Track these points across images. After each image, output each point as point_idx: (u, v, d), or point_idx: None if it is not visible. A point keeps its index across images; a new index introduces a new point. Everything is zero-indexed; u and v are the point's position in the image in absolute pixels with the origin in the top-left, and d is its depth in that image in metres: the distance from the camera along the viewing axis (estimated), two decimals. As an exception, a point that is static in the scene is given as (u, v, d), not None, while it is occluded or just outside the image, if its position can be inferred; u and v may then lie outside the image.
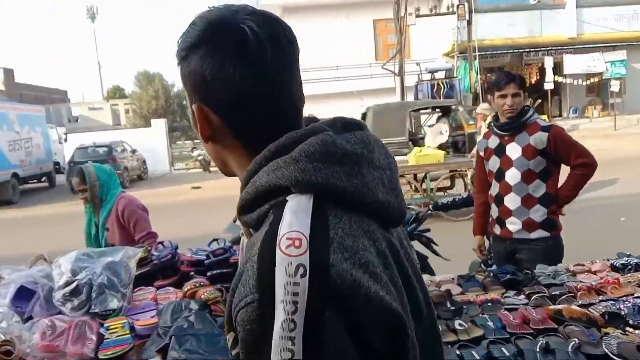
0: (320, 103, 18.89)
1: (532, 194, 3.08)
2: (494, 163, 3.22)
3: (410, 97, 19.55)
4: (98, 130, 26.22)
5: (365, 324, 0.69)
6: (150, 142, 21.17)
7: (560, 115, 22.72)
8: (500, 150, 3.17)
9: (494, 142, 3.23)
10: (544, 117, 20.16)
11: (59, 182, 19.60)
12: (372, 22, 22.07)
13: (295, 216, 0.72)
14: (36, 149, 18.21)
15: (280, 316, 0.66)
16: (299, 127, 0.83)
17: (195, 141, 29.58)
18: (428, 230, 4.59)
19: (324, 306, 0.67)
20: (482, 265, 3.59)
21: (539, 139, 3.02)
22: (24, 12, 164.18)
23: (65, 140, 21.49)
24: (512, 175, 3.11)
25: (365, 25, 21.75)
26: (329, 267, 0.68)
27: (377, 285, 0.71)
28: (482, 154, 3.36)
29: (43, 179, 19.61)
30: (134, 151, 19.54)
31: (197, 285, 2.27)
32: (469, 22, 18.93)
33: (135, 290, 2.35)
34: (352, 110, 19.33)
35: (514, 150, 3.10)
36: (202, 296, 2.16)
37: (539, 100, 21.49)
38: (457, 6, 18.75)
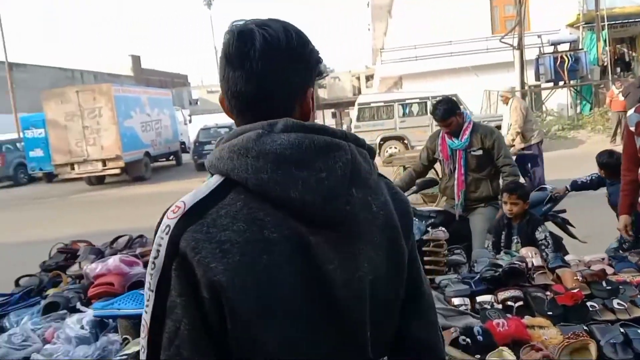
0: (435, 80, 18.56)
1: (687, 174, 2.91)
2: None
3: (530, 72, 18.54)
4: (216, 112, 27.75)
5: (197, 284, 0.87)
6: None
7: None
8: None
9: None
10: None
11: (185, 161, 21.13)
12: (488, -7, 21.09)
13: (197, 190, 0.93)
14: (165, 130, 19.73)
15: (150, 257, 0.91)
16: (266, 119, 0.94)
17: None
18: (564, 211, 4.49)
19: (171, 261, 0.88)
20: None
21: None
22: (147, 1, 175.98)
23: (190, 121, 23.04)
24: (666, 154, 2.95)
25: (481, -3, 20.85)
26: (183, 233, 0.88)
27: (218, 258, 0.87)
28: (632, 128, 3.20)
29: (171, 157, 21.23)
30: (251, 131, 20.47)
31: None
32: (598, -11, 17.52)
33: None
34: (467, 86, 18.84)
35: None
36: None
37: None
38: (585, -28, 17.39)
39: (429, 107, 14.48)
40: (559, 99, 18.23)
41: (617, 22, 18.77)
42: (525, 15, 19.03)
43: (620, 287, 2.24)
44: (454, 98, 14.31)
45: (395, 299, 1.05)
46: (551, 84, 17.76)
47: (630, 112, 3.34)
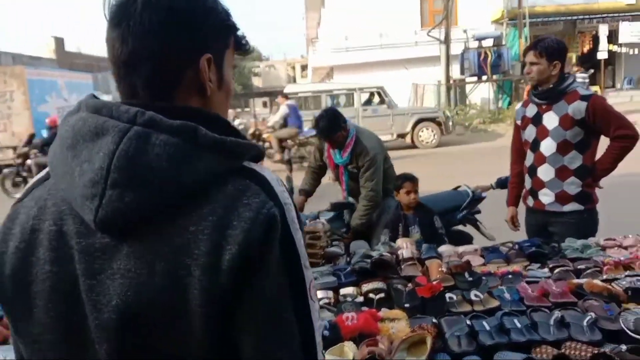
0: (365, 72, 18.68)
1: (567, 166, 2.97)
2: (530, 132, 3.12)
3: (456, 66, 19.04)
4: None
5: None
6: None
7: (613, 86, 21.64)
8: (537, 119, 3.06)
9: (531, 110, 3.12)
10: (596, 87, 19.42)
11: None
12: (418, -12, 21.46)
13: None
14: (85, 116, 18.76)
15: None
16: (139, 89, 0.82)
17: (237, 110, 29.76)
18: (478, 212, 4.59)
19: None
20: None
21: (578, 108, 2.89)
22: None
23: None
24: (548, 146, 3.01)
25: (410, -10, 21.17)
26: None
27: (5, 239, 0.82)
28: (518, 122, 3.26)
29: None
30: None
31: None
32: (520, -12, 18.18)
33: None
34: (396, 78, 19.10)
35: (551, 120, 2.99)
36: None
37: (592, 70, 20.55)
38: (508, -30, 17.99)
39: (356, 98, 14.59)
40: (482, 93, 18.85)
41: (538, 19, 19.56)
42: (453, 10, 19.50)
43: (483, 278, 2.23)
44: (380, 90, 14.62)
45: (175, 346, 0.75)
46: (475, 78, 18.31)
47: (518, 106, 3.40)
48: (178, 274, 0.72)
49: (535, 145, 3.07)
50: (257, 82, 44.75)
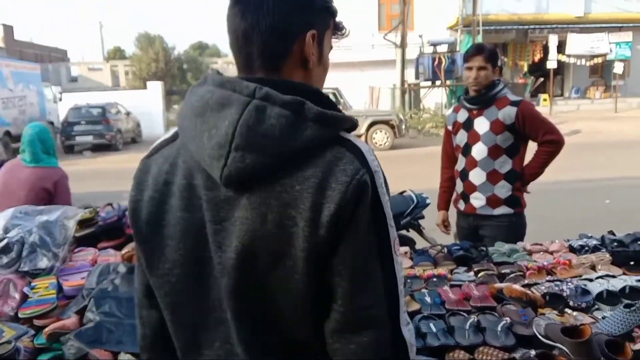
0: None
1: (497, 170, 3.01)
2: (461, 137, 3.14)
3: (411, 71, 19.29)
4: (96, 91, 25.99)
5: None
6: (146, 105, 20.96)
7: (562, 95, 22.44)
8: (468, 124, 3.09)
9: (462, 116, 3.15)
10: (545, 96, 20.05)
11: (54, 142, 19.55)
12: (376, -9, 21.63)
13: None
14: (30, 108, 18.00)
15: None
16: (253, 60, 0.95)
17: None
18: (422, 217, 4.62)
19: None
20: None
21: (508, 114, 2.93)
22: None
23: (60, 99, 21.21)
24: (479, 150, 3.03)
25: (369, -7, 21.32)
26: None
27: (138, 190, 1.00)
28: (450, 127, 3.28)
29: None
30: (128, 113, 19.35)
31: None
32: (475, -5, 18.59)
33: (77, 250, 2.31)
34: (352, 80, 19.20)
35: (482, 125, 3.02)
36: (139, 259, 2.11)
37: (541, 79, 21.24)
38: (463, -22, 18.36)
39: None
40: (435, 98, 19.16)
41: (491, 27, 20.06)
42: (409, 15, 19.76)
43: (408, 280, 2.22)
44: (335, 92, 14.63)
45: (281, 289, 0.89)
46: (429, 83, 18.61)
47: (449, 111, 3.42)
48: (285, 224, 0.86)
49: (466, 150, 3.09)
50: (215, 79, 44.11)
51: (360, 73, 20.17)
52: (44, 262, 1.97)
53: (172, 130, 1.02)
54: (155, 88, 22.05)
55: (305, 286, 0.87)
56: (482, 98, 3.00)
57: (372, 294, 0.88)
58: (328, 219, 0.85)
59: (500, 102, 2.97)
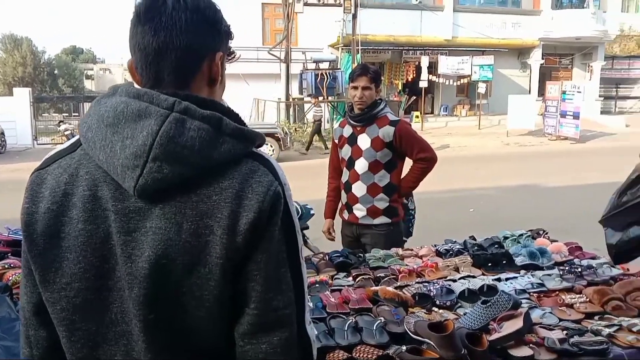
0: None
1: (377, 183, 3.22)
2: (346, 151, 3.33)
3: (295, 85, 19.69)
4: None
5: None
6: (12, 113, 19.22)
7: (432, 113, 24.16)
8: (352, 140, 3.29)
9: (347, 131, 3.34)
10: (417, 113, 21.41)
11: None
12: (260, 5, 21.82)
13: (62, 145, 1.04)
14: None
15: None
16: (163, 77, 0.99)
17: (64, 114, 27.34)
18: (306, 227, 4.74)
19: None
20: None
21: (387, 132, 3.16)
22: None
23: None
24: (361, 165, 3.23)
25: (253, 7, 21.45)
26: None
27: (35, 201, 0.97)
28: (336, 141, 3.46)
29: None
30: (-10, 121, 17.65)
31: (7, 266, 2.10)
32: (354, 16, 19.46)
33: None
34: (237, 93, 19.13)
35: (364, 141, 3.22)
36: (10, 278, 1.99)
37: (414, 97, 22.71)
38: (344, -1, 19.17)
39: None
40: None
41: (369, 47, 21.10)
42: (293, 31, 20.19)
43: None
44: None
45: (194, 297, 0.92)
46: (312, 99, 19.09)
47: (336, 126, 3.62)
48: (201, 232, 0.90)
49: (350, 164, 3.29)
50: (89, 85, 41.64)
51: (246, 86, 20.19)
52: None
53: (70, 141, 1.03)
54: (22, 94, 20.29)
55: (220, 292, 0.92)
56: (365, 116, 3.21)
57: (284, 296, 0.95)
58: (246, 227, 0.90)
59: (380, 121, 3.19)
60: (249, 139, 0.97)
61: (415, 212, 4.00)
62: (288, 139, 15.48)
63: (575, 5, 24.90)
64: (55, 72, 37.36)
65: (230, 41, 1.07)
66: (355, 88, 3.21)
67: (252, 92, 19.94)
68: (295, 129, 18.02)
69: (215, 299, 0.93)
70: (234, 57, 1.10)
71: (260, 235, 0.93)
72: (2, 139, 18.38)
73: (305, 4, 18.68)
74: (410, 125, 3.38)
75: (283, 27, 19.37)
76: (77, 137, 1.00)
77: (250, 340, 0.96)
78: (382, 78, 22.34)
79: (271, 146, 14.83)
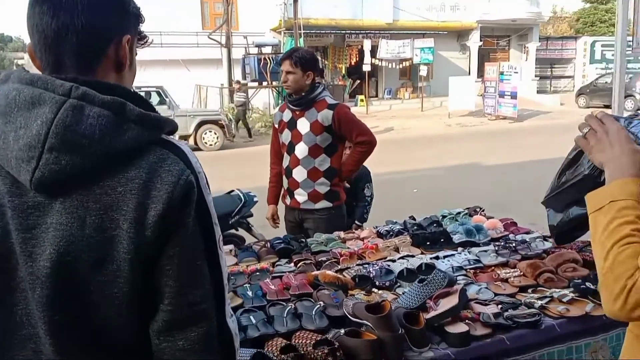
0: (146, 69, 17.77)
1: (317, 168, 3.20)
2: (286, 136, 3.28)
3: (237, 70, 19.38)
4: None
5: None
6: None
7: (376, 96, 24.41)
8: (292, 124, 3.25)
9: (287, 115, 3.29)
10: (362, 97, 21.57)
11: None
12: (198, -12, 21.29)
13: None
14: None
15: None
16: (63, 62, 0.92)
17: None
18: (250, 215, 4.70)
19: None
20: None
21: (325, 116, 3.13)
22: None
23: None
24: (301, 149, 3.20)
25: (191, -10, 20.90)
26: None
27: None
28: (276, 126, 3.41)
29: None
30: None
31: None
32: (295, 0, 19.28)
33: None
34: (178, 79, 18.65)
35: (303, 125, 3.19)
36: None
37: (359, 81, 22.85)
38: (284, -19, 18.94)
39: (134, 97, 13.83)
40: (263, 98, 19.53)
41: (312, 32, 20.99)
42: (234, 15, 19.80)
43: (232, 277, 2.26)
44: (160, 90, 14.09)
45: (103, 295, 0.87)
46: (256, 84, 18.89)
47: (275, 110, 3.57)
48: (106, 226, 0.85)
49: (290, 148, 3.25)
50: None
51: (186, 72, 19.71)
52: None
53: None
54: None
55: (130, 289, 0.87)
56: (303, 100, 3.17)
57: (200, 290, 0.91)
58: (155, 219, 0.85)
59: (319, 105, 3.17)
60: (156, 126, 0.91)
61: (372, 199, 4.04)
62: (232, 126, 15.26)
63: (510, -13, 25.66)
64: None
65: (140, 24, 1.01)
66: (283, 72, 3.18)
67: (193, 79, 19.49)
68: (240, 115, 17.77)
69: (126, 297, 0.88)
70: (146, 41, 1.05)
71: (172, 227, 0.88)
72: None
73: (245, -13, 18.33)
74: (349, 108, 3.36)
75: (223, 11, 18.96)
76: None
77: (166, 337, 0.91)
78: (325, 62, 22.45)
79: (215, 133, 14.59)
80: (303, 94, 3.17)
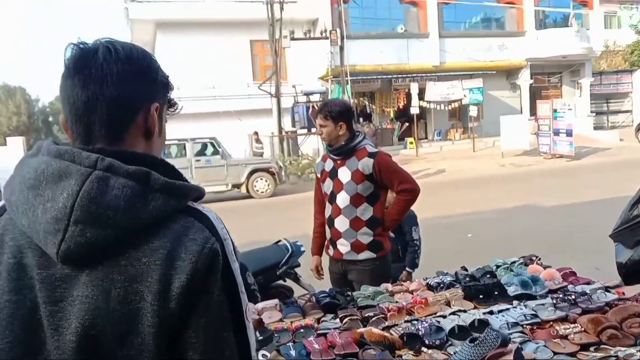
0: (196, 122, 18.47)
1: (359, 217, 3.15)
2: (328, 185, 3.27)
3: (287, 119, 19.80)
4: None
5: None
6: (5, 162, 19.28)
7: (426, 138, 24.25)
8: (333, 173, 3.24)
9: (329, 165, 3.29)
10: (411, 139, 21.48)
11: None
12: (249, 42, 22.10)
13: None
14: None
15: None
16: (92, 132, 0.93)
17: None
18: (298, 265, 4.67)
19: None
20: None
21: (366, 164, 3.11)
22: None
23: None
24: (343, 198, 3.17)
25: (242, 44, 21.70)
26: None
27: None
28: (319, 175, 3.41)
29: None
30: (-17, 172, 17.66)
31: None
32: (342, 48, 19.70)
33: None
34: (231, 129, 19.22)
35: (344, 174, 3.17)
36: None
37: (407, 124, 22.83)
38: (330, 32, 19.43)
39: (189, 149, 14.33)
40: (312, 144, 19.77)
41: (358, 77, 21.30)
42: (282, 66, 20.40)
43: (275, 335, 2.21)
44: (213, 141, 14.52)
45: None
46: (305, 130, 19.20)
47: (318, 160, 3.57)
48: (131, 299, 0.83)
49: (332, 198, 3.23)
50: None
51: (238, 122, 20.31)
52: None
53: None
54: (16, 144, 20.41)
55: None
56: (343, 149, 3.17)
57: None
58: (179, 291, 0.83)
59: (359, 153, 3.15)
60: (182, 194, 0.91)
61: (420, 243, 3.94)
62: (283, 173, 15.47)
63: (558, 24, 25.32)
64: (50, 119, 37.62)
65: (170, 91, 1.02)
66: (319, 126, 3.24)
67: (245, 128, 20.04)
68: (290, 162, 18.03)
69: None
70: (175, 109, 1.05)
71: (197, 298, 0.85)
72: (-3, 189, 18.36)
73: (292, 39, 18.90)
74: (390, 156, 3.32)
75: (272, 63, 19.57)
76: (2, 201, 0.94)
77: None
78: (373, 107, 22.62)
79: (266, 181, 14.82)
80: (342, 143, 3.18)
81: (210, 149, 14.75)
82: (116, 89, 0.91)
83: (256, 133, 18.28)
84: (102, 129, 0.92)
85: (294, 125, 19.71)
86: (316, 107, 18.76)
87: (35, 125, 34.55)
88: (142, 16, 20.71)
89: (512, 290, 2.56)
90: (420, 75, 22.43)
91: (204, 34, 20.50)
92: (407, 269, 3.95)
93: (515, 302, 2.44)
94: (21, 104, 34.13)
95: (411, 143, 21.59)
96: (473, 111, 20.98)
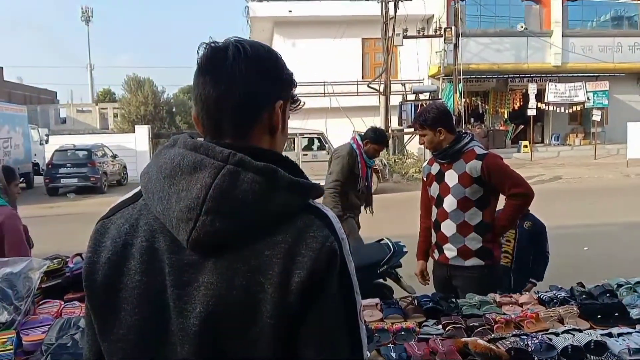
0: (305, 118, 18.90)
1: (468, 222, 3.05)
2: (434, 189, 3.20)
3: (394, 117, 19.65)
4: (84, 134, 26.05)
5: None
6: (133, 148, 21.02)
7: (542, 142, 22.91)
8: (440, 177, 3.16)
9: (435, 168, 3.22)
10: (526, 142, 20.41)
11: (37, 184, 19.36)
12: (360, 40, 22.19)
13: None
14: (15, 149, 17.96)
15: None
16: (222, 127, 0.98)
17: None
18: (399, 265, 4.63)
19: None
20: None
21: (474, 167, 2.99)
22: (17, 11, 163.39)
23: (47, 141, 21.23)
24: (449, 202, 3.08)
25: (354, 42, 21.87)
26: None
27: (97, 251, 0.97)
28: (425, 179, 3.35)
29: (21, 180, 19.32)
30: (114, 156, 19.33)
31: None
32: (456, 46, 19.16)
33: (42, 302, 2.28)
34: (337, 126, 19.48)
35: (451, 178, 3.08)
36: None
37: (522, 126, 21.70)
38: (445, 29, 18.95)
39: (297, 143, 14.74)
40: (418, 144, 19.43)
41: (472, 76, 20.60)
42: (393, 64, 20.26)
43: (376, 334, 2.21)
44: (320, 137, 14.81)
45: (245, 351, 0.88)
46: (412, 129, 18.89)
47: (424, 163, 3.50)
48: (253, 289, 0.86)
49: (439, 202, 3.15)
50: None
51: (346, 119, 20.50)
52: (4, 316, 1.94)
53: (133, 190, 1.03)
54: (143, 131, 22.16)
55: (271, 354, 0.87)
56: (449, 152, 3.08)
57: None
58: (298, 286, 0.85)
59: (467, 156, 3.04)
60: (305, 192, 0.93)
61: (549, 254, 3.81)
62: (387, 171, 15.38)
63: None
64: (174, 110, 40.24)
65: (293, 89, 1.05)
66: (419, 136, 3.21)
67: (352, 125, 20.19)
68: (395, 160, 17.87)
69: None
70: (298, 105, 1.07)
71: (315, 295, 0.86)
72: (125, 172, 20.07)
73: (405, 37, 18.67)
74: (501, 158, 3.16)
75: (383, 61, 19.50)
76: (139, 187, 1.00)
77: None
78: (486, 107, 21.75)
79: (370, 178, 14.81)
80: (447, 145, 3.08)
81: (317, 144, 15.03)
82: (244, 88, 0.95)
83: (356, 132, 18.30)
84: (230, 125, 0.96)
85: (400, 124, 19.52)
86: (425, 106, 18.49)
87: (160, 115, 37.17)
88: (261, 14, 21.56)
89: (635, 313, 2.35)
90: (539, 75, 21.23)
91: (317, 32, 20.90)
92: (531, 279, 3.82)
93: (638, 327, 2.23)
94: (149, 94, 36.85)
95: (525, 146, 20.51)
96: (597, 115, 19.48)
